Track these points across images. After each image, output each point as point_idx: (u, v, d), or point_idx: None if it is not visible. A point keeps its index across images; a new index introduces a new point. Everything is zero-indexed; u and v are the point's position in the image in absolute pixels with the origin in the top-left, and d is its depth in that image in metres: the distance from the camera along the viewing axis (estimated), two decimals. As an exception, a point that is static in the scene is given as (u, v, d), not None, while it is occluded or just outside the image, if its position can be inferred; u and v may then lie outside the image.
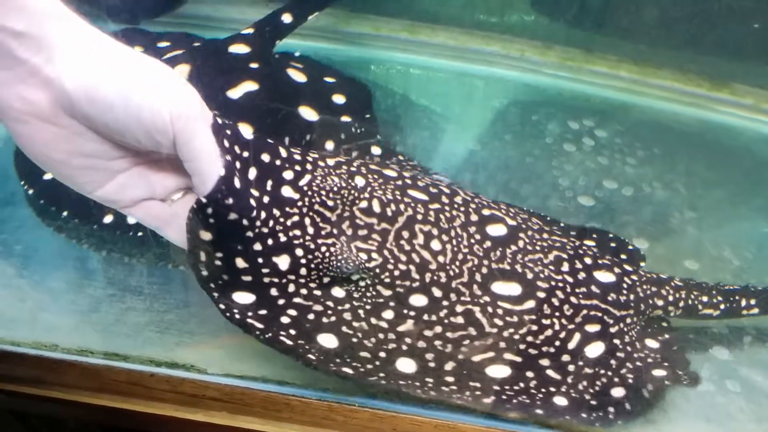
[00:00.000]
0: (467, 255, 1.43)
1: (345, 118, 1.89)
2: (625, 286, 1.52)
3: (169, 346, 1.44)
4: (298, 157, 1.35)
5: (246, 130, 1.29)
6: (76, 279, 1.55)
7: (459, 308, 1.38)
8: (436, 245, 1.41)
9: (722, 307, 1.53)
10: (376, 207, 1.39)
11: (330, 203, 1.35)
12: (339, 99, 1.94)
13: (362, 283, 1.34)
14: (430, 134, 2.08)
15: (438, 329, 1.36)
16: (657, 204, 1.75)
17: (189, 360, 1.43)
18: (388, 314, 1.34)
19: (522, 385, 1.34)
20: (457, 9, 2.44)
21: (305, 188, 1.33)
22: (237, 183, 1.20)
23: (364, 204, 1.38)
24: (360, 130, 1.85)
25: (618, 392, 1.36)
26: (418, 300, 1.36)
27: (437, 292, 1.38)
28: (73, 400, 1.46)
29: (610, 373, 1.39)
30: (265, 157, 1.30)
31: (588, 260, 1.54)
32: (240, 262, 1.25)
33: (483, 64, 2.37)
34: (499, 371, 1.35)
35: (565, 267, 1.50)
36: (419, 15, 2.43)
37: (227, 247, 1.23)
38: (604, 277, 1.52)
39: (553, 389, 1.34)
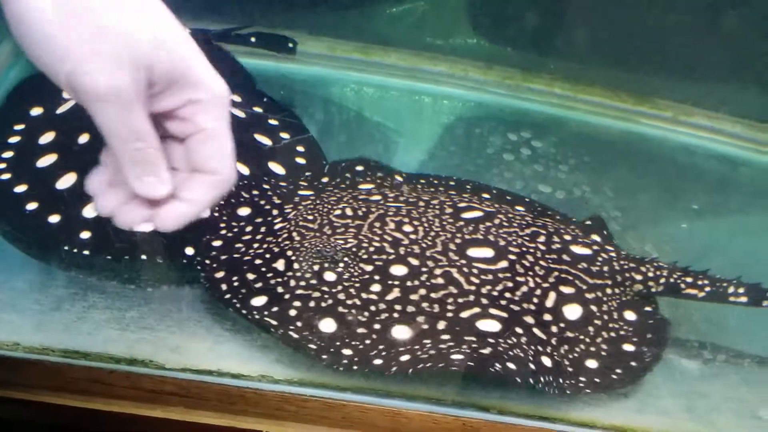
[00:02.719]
0: (440, 231, 1.50)
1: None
2: (600, 259, 1.53)
3: (128, 343, 1.39)
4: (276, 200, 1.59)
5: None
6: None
7: (438, 271, 1.44)
8: (407, 228, 1.50)
9: (707, 289, 1.50)
10: (349, 212, 1.53)
11: (310, 217, 1.53)
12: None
13: (345, 264, 1.42)
14: (383, 147, 2.08)
15: (422, 292, 1.41)
16: (586, 206, 1.76)
17: (148, 356, 1.38)
18: (375, 287, 1.41)
19: (514, 339, 1.36)
20: (406, 32, 2.44)
21: (290, 216, 1.53)
22: None
23: (338, 212, 1.53)
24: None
25: (592, 364, 1.36)
26: (399, 270, 1.43)
27: (414, 261, 1.45)
28: (34, 400, 1.39)
29: (587, 341, 1.39)
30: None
31: (567, 237, 1.56)
32: (251, 276, 1.41)
33: (431, 83, 2.37)
34: (489, 325, 1.38)
35: (541, 239, 1.52)
36: (372, 37, 2.43)
37: (236, 267, 1.42)
38: (579, 250, 1.54)
39: (540, 348, 1.36)
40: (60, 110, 1.73)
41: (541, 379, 1.30)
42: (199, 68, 0.93)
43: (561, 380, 1.32)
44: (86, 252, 1.45)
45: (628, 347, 1.41)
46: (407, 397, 1.37)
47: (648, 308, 1.50)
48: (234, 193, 1.60)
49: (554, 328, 1.40)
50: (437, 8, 2.45)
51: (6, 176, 1.58)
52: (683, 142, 2.23)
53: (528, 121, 2.21)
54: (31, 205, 1.51)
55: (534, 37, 2.35)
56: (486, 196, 1.70)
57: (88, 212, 1.48)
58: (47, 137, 1.66)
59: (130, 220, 0.96)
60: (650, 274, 1.52)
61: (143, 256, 1.47)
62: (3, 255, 1.51)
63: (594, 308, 1.45)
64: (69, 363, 1.36)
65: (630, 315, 1.47)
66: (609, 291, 1.49)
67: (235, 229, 1.51)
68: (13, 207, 1.52)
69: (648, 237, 1.72)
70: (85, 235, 1.46)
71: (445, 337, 1.36)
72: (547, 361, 1.34)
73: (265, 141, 1.82)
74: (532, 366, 1.32)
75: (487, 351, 1.33)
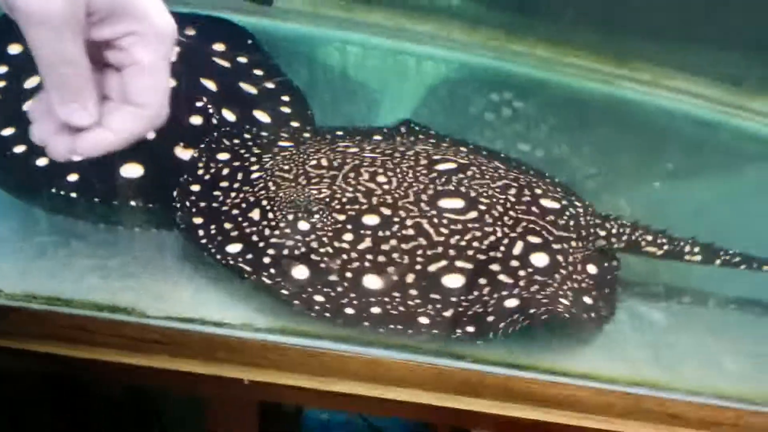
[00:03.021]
0: (413, 182, 1.52)
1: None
2: (567, 213, 1.56)
3: (112, 291, 1.39)
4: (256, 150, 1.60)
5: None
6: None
7: (408, 222, 1.45)
8: (381, 179, 1.51)
9: (666, 248, 1.55)
10: (324, 162, 1.54)
11: (286, 167, 1.53)
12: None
13: (318, 214, 1.44)
14: (366, 106, 2.08)
15: (393, 242, 1.43)
16: (564, 164, 1.79)
17: (130, 303, 1.38)
18: (348, 236, 1.43)
19: (476, 293, 1.39)
20: (391, -9, 2.42)
21: (267, 166, 1.54)
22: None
23: (313, 162, 1.54)
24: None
25: (558, 306, 1.37)
26: (371, 219, 1.45)
27: (386, 211, 1.46)
28: (22, 348, 1.40)
29: (555, 286, 1.42)
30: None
31: (538, 191, 1.58)
32: (227, 225, 1.43)
33: (415, 42, 2.35)
34: (454, 281, 1.41)
35: (511, 191, 1.55)
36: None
37: (213, 214, 1.44)
38: (549, 203, 1.56)
39: (505, 293, 1.39)
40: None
41: (502, 324, 1.33)
42: (145, 1, 0.93)
43: (529, 317, 1.35)
44: (74, 194, 1.45)
45: (588, 300, 1.44)
46: (384, 346, 1.39)
47: (609, 263, 1.54)
48: (216, 137, 1.60)
49: (522, 272, 1.43)
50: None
51: None
52: (662, 105, 2.24)
53: (511, 83, 2.21)
54: (19, 148, 1.50)
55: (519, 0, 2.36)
56: (463, 150, 1.70)
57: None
58: (33, 81, 1.62)
59: (61, 149, 0.96)
60: (613, 231, 1.56)
61: (131, 202, 1.48)
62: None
63: (560, 258, 1.48)
64: (53, 310, 1.37)
65: (592, 268, 1.50)
66: (573, 244, 1.51)
67: (214, 175, 1.52)
68: (1, 150, 1.51)
69: (621, 193, 1.74)
70: (73, 177, 1.46)
71: (413, 292, 1.39)
72: (512, 303, 1.37)
73: (251, 90, 1.81)
74: (492, 318, 1.35)
75: (449, 313, 1.36)
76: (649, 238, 1.55)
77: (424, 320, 1.35)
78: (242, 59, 1.92)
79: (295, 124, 1.77)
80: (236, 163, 1.55)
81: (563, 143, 1.94)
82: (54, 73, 0.90)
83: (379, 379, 1.41)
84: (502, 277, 1.42)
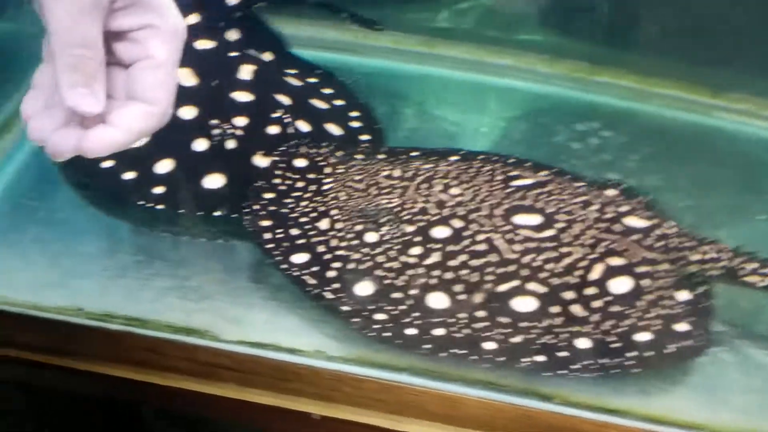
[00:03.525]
0: (487, 196, 1.44)
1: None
2: (656, 233, 1.43)
3: (187, 312, 1.36)
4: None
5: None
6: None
7: (480, 237, 1.37)
8: (454, 191, 1.45)
9: None
10: (397, 173, 1.51)
11: (357, 177, 1.50)
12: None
13: (387, 225, 1.38)
14: (447, 139, 2.00)
15: (462, 258, 1.34)
16: (658, 194, 1.65)
17: (205, 326, 1.34)
18: (415, 250, 1.36)
19: (547, 322, 1.28)
20: (470, 26, 2.37)
21: (339, 177, 1.52)
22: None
23: (385, 173, 1.50)
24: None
25: (643, 336, 1.25)
26: (441, 232, 1.38)
27: (457, 224, 1.38)
28: (90, 370, 1.37)
29: (637, 315, 1.29)
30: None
31: (624, 208, 1.47)
32: (294, 231, 1.38)
33: (496, 75, 2.28)
34: (526, 304, 1.30)
35: (593, 208, 1.44)
36: (435, 31, 2.36)
37: (283, 221, 1.41)
38: (634, 222, 1.44)
39: (577, 328, 1.27)
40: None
41: (573, 366, 1.22)
42: None
43: (603, 361, 1.23)
44: (160, 206, 1.49)
45: (678, 327, 1.29)
46: (465, 382, 1.29)
47: (702, 290, 1.37)
48: (291, 147, 1.58)
49: (597, 303, 1.31)
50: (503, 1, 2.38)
51: None
52: (762, 136, 2.07)
53: (597, 113, 2.09)
54: (107, 163, 1.54)
55: (604, 30, 2.26)
56: (544, 172, 1.60)
57: (162, 168, 1.53)
58: None
59: (62, 146, 0.89)
60: (709, 256, 1.40)
61: (214, 212, 1.49)
62: (73, 221, 1.53)
63: (645, 282, 1.34)
64: (128, 331, 1.35)
65: (684, 295, 1.35)
66: (662, 267, 1.38)
67: (286, 183, 1.49)
68: (89, 166, 1.54)
69: (721, 226, 1.58)
70: (159, 189, 1.50)
71: (480, 314, 1.29)
72: (584, 343, 1.25)
73: (322, 105, 1.82)
74: (565, 354, 1.24)
75: (518, 339, 1.25)
76: (752, 266, 1.37)
77: (489, 345, 1.25)
78: (312, 80, 1.94)
79: (365, 137, 1.76)
80: (309, 173, 1.53)
81: (657, 173, 1.79)
82: (69, 54, 0.85)
83: (458, 420, 1.30)
84: (575, 309, 1.30)
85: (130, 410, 1.92)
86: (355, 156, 1.63)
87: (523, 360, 1.24)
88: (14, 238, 1.51)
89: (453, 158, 1.67)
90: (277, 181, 1.50)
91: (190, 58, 1.65)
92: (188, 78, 1.65)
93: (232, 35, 1.85)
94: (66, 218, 1.55)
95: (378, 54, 2.29)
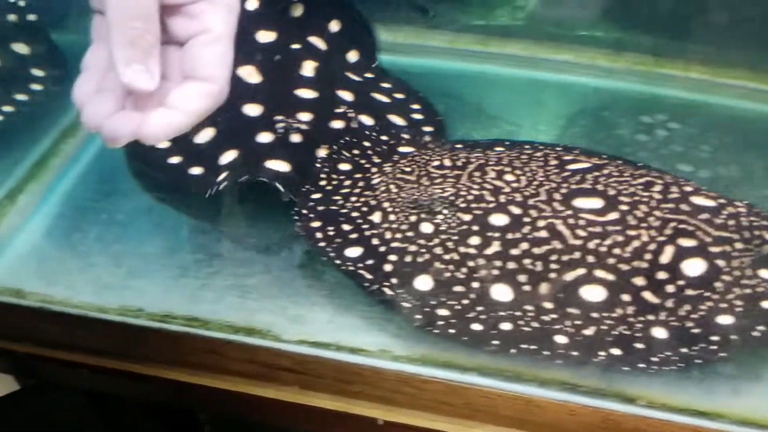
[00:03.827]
0: (543, 181, 1.35)
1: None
2: (726, 212, 1.32)
3: (248, 311, 1.32)
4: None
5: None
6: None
7: (541, 223, 1.28)
8: (509, 177, 1.37)
9: None
10: (447, 162, 1.44)
11: (407, 169, 1.44)
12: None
13: (442, 214, 1.31)
14: (506, 136, 1.93)
15: (524, 246, 1.26)
16: (735, 185, 1.55)
17: (266, 326, 1.30)
18: (474, 239, 1.28)
19: (620, 311, 1.18)
20: (526, 22, 2.31)
21: (388, 171, 1.46)
22: None
23: (436, 162, 1.44)
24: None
25: (725, 320, 1.14)
26: (499, 219, 1.30)
27: (516, 210, 1.31)
28: (147, 374, 1.35)
29: (715, 297, 1.18)
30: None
31: (688, 188, 1.37)
32: (346, 227, 1.33)
33: (554, 72, 2.20)
34: (595, 293, 1.21)
35: (656, 188, 1.34)
36: (490, 29, 2.30)
37: (333, 217, 1.35)
38: (702, 201, 1.33)
39: (651, 317, 1.16)
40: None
41: (653, 359, 1.13)
42: None
43: (683, 350, 1.14)
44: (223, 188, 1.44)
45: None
46: (539, 382, 1.20)
47: None
48: (338, 147, 1.53)
49: (671, 288, 1.21)
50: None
51: None
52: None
53: (663, 106, 1.99)
54: (174, 159, 1.55)
55: (666, 22, 2.16)
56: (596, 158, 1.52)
57: (225, 159, 1.52)
58: None
59: (119, 132, 0.84)
60: None
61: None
62: (137, 223, 1.53)
63: (720, 263, 1.24)
64: (188, 332, 1.31)
65: (765, 273, 1.24)
66: (737, 246, 1.27)
67: (335, 181, 1.45)
68: (158, 162, 1.56)
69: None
70: (221, 176, 1.48)
71: (548, 305, 1.21)
72: (661, 333, 1.16)
73: (383, 98, 1.79)
74: (641, 345, 1.15)
75: (590, 331, 1.17)
76: None
77: (561, 339, 1.17)
78: (370, 75, 1.91)
79: (427, 129, 1.72)
80: (357, 172, 1.48)
81: (730, 163, 1.70)
82: (125, 28, 0.81)
83: (532, 425, 1.22)
84: (648, 296, 1.21)
85: (187, 416, 1.90)
86: (401, 149, 1.56)
87: (599, 354, 1.15)
88: (77, 239, 1.51)
89: (499, 148, 1.60)
90: (323, 180, 1.45)
91: (252, 52, 1.68)
92: (252, 75, 1.64)
93: (296, 11, 1.83)
94: (127, 220, 1.55)
95: (432, 54, 2.25)
